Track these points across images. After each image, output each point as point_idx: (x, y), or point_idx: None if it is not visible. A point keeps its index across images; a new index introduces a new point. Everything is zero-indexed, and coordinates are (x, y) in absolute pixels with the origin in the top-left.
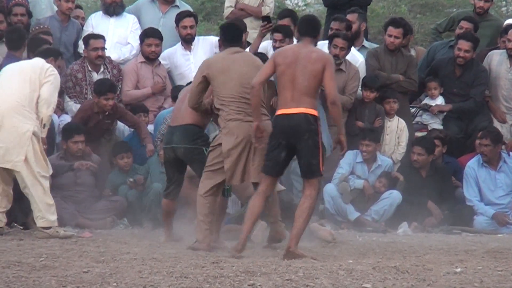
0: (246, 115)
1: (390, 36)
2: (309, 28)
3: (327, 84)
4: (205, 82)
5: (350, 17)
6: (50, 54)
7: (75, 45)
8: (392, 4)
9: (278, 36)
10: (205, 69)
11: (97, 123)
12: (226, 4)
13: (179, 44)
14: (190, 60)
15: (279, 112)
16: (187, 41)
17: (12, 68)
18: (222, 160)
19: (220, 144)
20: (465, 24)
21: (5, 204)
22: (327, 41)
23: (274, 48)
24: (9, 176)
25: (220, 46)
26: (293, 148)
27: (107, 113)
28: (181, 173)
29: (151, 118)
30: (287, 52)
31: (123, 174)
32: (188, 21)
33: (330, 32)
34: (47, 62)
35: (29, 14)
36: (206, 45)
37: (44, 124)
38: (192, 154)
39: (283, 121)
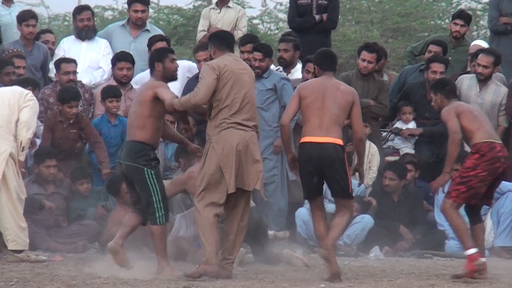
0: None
1: (363, 60)
2: (331, 62)
3: (356, 121)
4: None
5: (284, 45)
6: (29, 84)
7: (43, 69)
8: (364, 28)
9: (258, 55)
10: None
11: (63, 133)
12: (199, 28)
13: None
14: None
15: (307, 139)
16: None
17: None
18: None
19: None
20: (433, 48)
21: None
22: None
23: (253, 67)
24: None
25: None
26: (323, 174)
27: (71, 122)
28: (135, 190)
29: (122, 106)
30: (313, 84)
31: (83, 199)
32: (160, 45)
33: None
34: None
35: None
36: (179, 69)
37: (23, 147)
38: (134, 173)
39: (312, 149)
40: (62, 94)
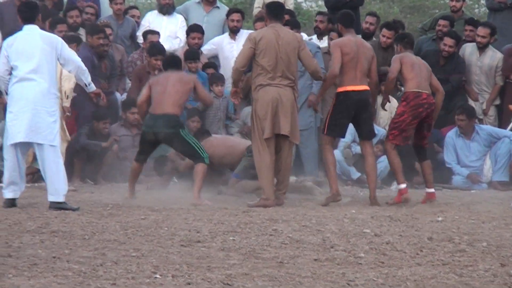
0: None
1: (383, 36)
2: (352, 20)
3: (374, 69)
4: (252, 52)
5: (369, 19)
6: (74, 41)
7: (132, 38)
8: (386, 6)
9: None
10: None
11: None
12: (255, 4)
13: (227, 34)
14: (233, 47)
15: (349, 88)
16: (233, 32)
17: None
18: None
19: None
20: (442, 22)
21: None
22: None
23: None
24: None
25: (266, 21)
26: (355, 117)
27: (156, 72)
28: (152, 150)
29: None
30: (350, 42)
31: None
32: (236, 16)
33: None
34: (70, 47)
35: (97, 15)
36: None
37: (67, 96)
38: (173, 137)
39: (355, 95)
40: (150, 48)
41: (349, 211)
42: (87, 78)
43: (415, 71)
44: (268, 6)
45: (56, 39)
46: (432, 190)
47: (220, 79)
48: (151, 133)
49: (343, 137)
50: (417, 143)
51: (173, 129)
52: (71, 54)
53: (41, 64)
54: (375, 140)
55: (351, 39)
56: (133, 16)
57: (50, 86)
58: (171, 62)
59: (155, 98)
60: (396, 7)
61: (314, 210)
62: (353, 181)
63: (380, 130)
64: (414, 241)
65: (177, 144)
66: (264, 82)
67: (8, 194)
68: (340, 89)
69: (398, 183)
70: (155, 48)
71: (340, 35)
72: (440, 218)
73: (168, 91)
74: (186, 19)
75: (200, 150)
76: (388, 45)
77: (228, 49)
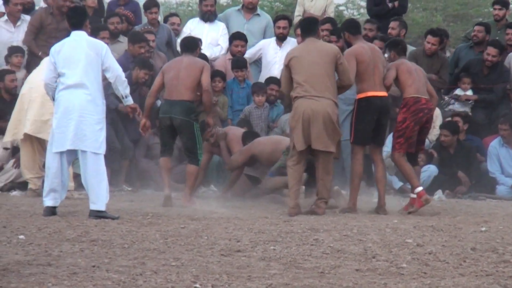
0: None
1: (428, 43)
2: (358, 27)
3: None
4: (288, 72)
5: (392, 24)
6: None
7: (168, 45)
8: (429, 14)
9: (333, 38)
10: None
11: None
12: (295, 13)
13: (274, 39)
14: (278, 54)
15: (369, 93)
16: (280, 39)
17: None
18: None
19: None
20: (477, 27)
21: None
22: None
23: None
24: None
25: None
26: (379, 122)
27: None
28: (173, 139)
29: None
30: (365, 49)
31: None
32: (282, 23)
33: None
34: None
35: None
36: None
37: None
38: (186, 126)
39: (377, 101)
40: (182, 42)
41: (391, 221)
42: (125, 89)
43: (413, 77)
44: (300, 25)
45: (101, 45)
46: (415, 191)
47: (261, 89)
48: (167, 118)
49: (366, 144)
50: (413, 150)
51: (189, 118)
52: (113, 62)
53: (87, 71)
54: None
55: (364, 46)
56: (173, 24)
57: (96, 93)
58: (187, 45)
59: (169, 83)
60: (439, 16)
61: (355, 219)
62: (395, 190)
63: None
64: (457, 251)
65: (186, 134)
66: (299, 94)
67: (48, 202)
68: (361, 95)
69: (414, 187)
70: (137, 36)
71: (348, 44)
72: (483, 228)
73: (181, 76)
74: (227, 27)
75: (199, 150)
76: (433, 52)
77: (272, 54)
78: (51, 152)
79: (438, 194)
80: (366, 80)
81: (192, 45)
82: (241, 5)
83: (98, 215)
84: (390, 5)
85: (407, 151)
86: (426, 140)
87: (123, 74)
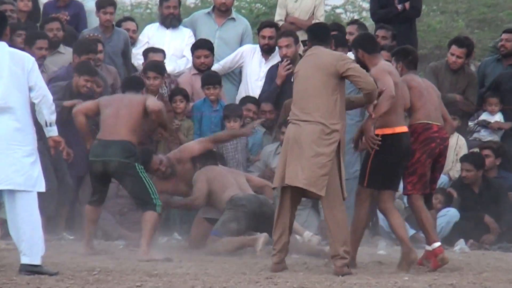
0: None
1: (452, 55)
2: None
3: None
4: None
5: (350, 28)
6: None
7: (124, 55)
8: (449, 18)
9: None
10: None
11: None
12: (276, 17)
13: (258, 48)
14: (262, 69)
15: (399, 130)
16: (265, 51)
17: None
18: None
19: None
20: (505, 36)
21: None
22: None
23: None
24: None
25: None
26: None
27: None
28: (106, 186)
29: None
30: (395, 71)
31: None
32: (268, 31)
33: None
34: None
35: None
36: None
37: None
38: (125, 169)
39: (405, 139)
40: (126, 81)
41: (401, 278)
42: (50, 115)
43: (424, 98)
44: (308, 30)
45: (27, 58)
46: (431, 247)
47: (235, 112)
48: (99, 163)
49: (394, 188)
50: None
51: (128, 160)
52: (40, 79)
53: (11, 91)
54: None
55: (392, 67)
56: (127, 30)
57: (24, 118)
58: (129, 83)
59: (106, 121)
60: (461, 20)
61: (356, 276)
62: None
63: (442, 176)
64: None
65: (128, 180)
66: (288, 118)
67: None
68: (388, 131)
69: (430, 243)
70: (85, 45)
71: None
72: None
73: (121, 114)
74: (194, 35)
75: (153, 195)
76: (458, 66)
77: (256, 68)
78: None
79: (460, 244)
80: (394, 111)
81: (137, 85)
82: (211, 7)
83: (31, 270)
84: (399, 7)
85: (424, 192)
86: (445, 176)
87: (51, 97)
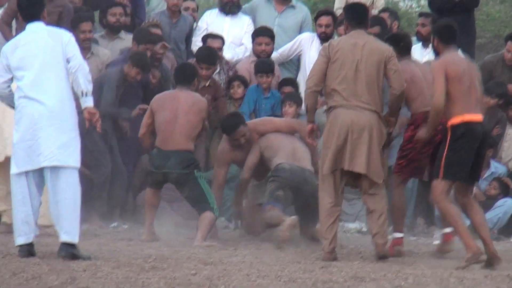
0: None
1: (508, 52)
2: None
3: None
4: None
5: (422, 20)
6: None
7: (187, 41)
8: (509, 7)
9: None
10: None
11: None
12: (336, 5)
13: (316, 36)
14: None
15: (468, 118)
16: (322, 39)
17: None
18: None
19: None
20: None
21: None
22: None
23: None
24: None
25: (345, 28)
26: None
27: (206, 85)
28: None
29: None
30: (456, 61)
31: None
32: (324, 20)
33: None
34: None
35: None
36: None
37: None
38: (185, 179)
39: (479, 127)
40: (178, 71)
41: (456, 269)
42: (87, 84)
43: (420, 86)
44: (346, 10)
45: (64, 33)
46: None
47: (294, 99)
48: (160, 175)
49: (464, 181)
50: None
51: (187, 170)
52: (78, 51)
53: (45, 68)
54: (491, 177)
55: (455, 56)
56: (187, 9)
57: (62, 93)
58: (180, 75)
59: (163, 128)
60: None
61: (412, 266)
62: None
63: (500, 167)
64: None
65: (187, 187)
66: (336, 104)
67: (20, 239)
68: (456, 120)
69: (395, 230)
70: (145, 34)
71: (436, 54)
72: None
73: (179, 121)
74: (254, 21)
75: (210, 199)
76: None
77: (315, 57)
78: (13, 174)
79: None
80: (460, 99)
81: (189, 77)
82: None
83: (70, 251)
84: None
85: (412, 177)
86: (504, 167)
87: (87, 67)
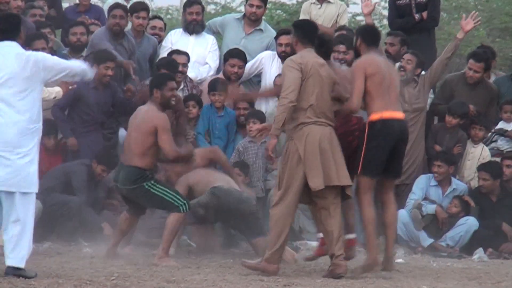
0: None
1: (470, 69)
2: (377, 37)
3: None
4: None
5: (390, 39)
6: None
7: (151, 61)
8: None
9: (342, 48)
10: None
11: None
12: None
13: (276, 54)
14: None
15: (387, 115)
16: (282, 58)
17: None
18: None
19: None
20: None
21: None
22: None
23: (336, 59)
24: None
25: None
26: (394, 151)
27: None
28: (133, 203)
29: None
30: (376, 61)
31: None
32: (284, 39)
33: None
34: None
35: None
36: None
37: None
38: (137, 194)
39: (395, 124)
40: (96, 54)
41: (419, 286)
42: (87, 72)
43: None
44: (361, 33)
45: (28, 54)
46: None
47: (258, 116)
48: (118, 187)
49: (378, 177)
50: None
51: (134, 185)
52: (56, 63)
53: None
54: (453, 195)
55: (375, 57)
56: (154, 28)
57: (26, 119)
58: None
59: (124, 143)
60: (482, 29)
61: (374, 284)
62: (424, 248)
63: (460, 184)
64: None
65: (144, 199)
66: (309, 120)
67: None
68: (374, 117)
69: (347, 232)
70: (103, 54)
71: (357, 55)
72: None
73: (130, 137)
74: (221, 36)
75: (174, 198)
76: (476, 81)
77: (275, 75)
78: None
79: (479, 253)
80: (378, 97)
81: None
82: (242, 14)
83: (15, 273)
84: (417, 16)
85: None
86: (466, 185)
87: (66, 61)
